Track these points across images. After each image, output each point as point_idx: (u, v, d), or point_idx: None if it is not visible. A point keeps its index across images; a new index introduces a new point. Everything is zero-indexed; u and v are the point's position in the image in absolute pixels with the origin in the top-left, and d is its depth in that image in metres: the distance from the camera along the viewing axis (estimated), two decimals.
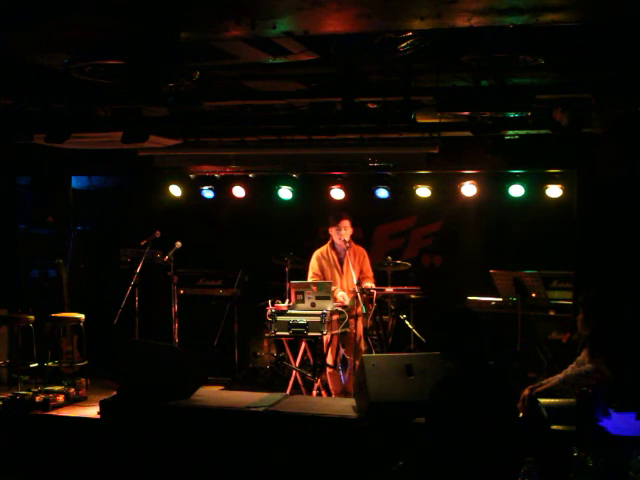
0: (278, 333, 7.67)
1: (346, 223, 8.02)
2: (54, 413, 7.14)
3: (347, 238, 7.98)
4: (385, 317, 8.46)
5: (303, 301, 7.68)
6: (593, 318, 5.59)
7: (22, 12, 4.44)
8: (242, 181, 9.65)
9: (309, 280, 8.10)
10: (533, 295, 7.99)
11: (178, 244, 8.72)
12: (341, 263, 8.13)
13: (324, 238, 9.21)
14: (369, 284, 8.01)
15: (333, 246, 8.17)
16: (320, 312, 7.47)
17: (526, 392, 5.57)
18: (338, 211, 8.26)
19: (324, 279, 8.08)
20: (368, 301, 7.88)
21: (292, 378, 7.98)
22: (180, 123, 7.87)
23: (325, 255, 8.17)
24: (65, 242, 9.99)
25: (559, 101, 6.63)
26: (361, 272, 8.09)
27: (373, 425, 6.01)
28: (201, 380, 7.19)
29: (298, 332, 7.58)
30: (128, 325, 8.37)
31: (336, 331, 7.70)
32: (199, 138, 8.65)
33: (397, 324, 8.58)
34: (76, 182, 10.39)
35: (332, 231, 8.13)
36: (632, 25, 4.80)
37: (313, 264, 8.19)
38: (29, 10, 4.40)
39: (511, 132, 7.56)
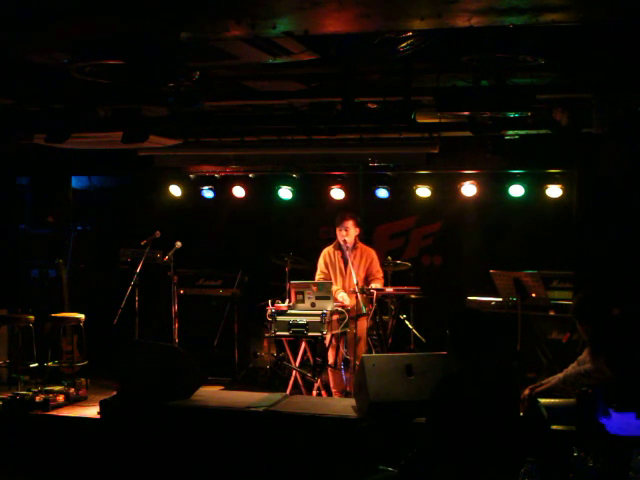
0: (278, 333, 7.67)
1: (348, 224, 7.99)
2: (54, 413, 7.14)
3: (348, 239, 7.96)
4: (385, 317, 8.44)
5: (303, 301, 7.68)
6: (589, 322, 5.59)
7: (23, 12, 4.44)
8: (242, 181, 9.65)
9: (317, 278, 8.12)
10: (533, 295, 7.98)
11: (178, 244, 8.71)
12: (345, 263, 8.12)
13: (324, 238, 9.22)
14: (374, 285, 7.97)
15: (338, 246, 8.15)
16: (320, 312, 7.47)
17: (526, 392, 5.57)
18: (343, 211, 8.23)
19: (330, 278, 8.09)
20: (368, 301, 7.87)
21: (292, 378, 7.97)
22: (180, 123, 7.88)
23: (331, 254, 8.17)
24: (65, 242, 9.99)
25: (559, 101, 6.64)
26: (370, 274, 8.07)
27: (373, 425, 6.01)
28: (201, 380, 7.18)
29: (298, 332, 7.58)
30: (128, 325, 8.36)
31: (336, 331, 7.70)
32: (199, 138, 8.66)
33: (397, 324, 8.57)
34: (76, 182, 10.39)
35: (337, 231, 8.12)
36: (632, 25, 4.81)
37: (320, 262, 8.21)
38: (29, 10, 4.40)
39: (511, 132, 7.57)
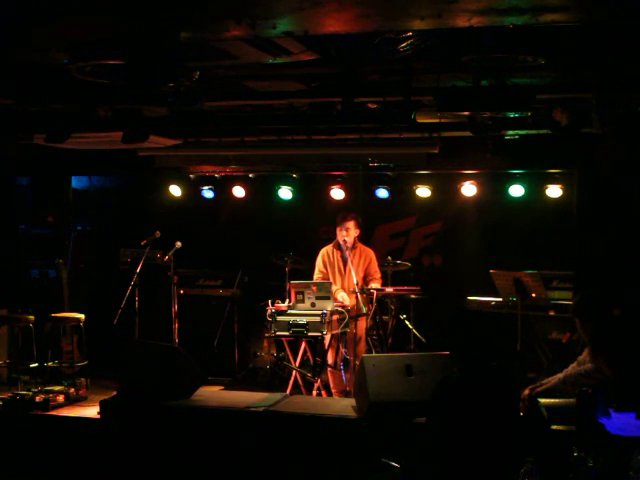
0: (278, 333, 7.67)
1: (349, 224, 7.98)
2: (54, 413, 7.14)
3: (348, 239, 7.97)
4: (385, 317, 8.45)
5: (303, 301, 7.67)
6: (588, 321, 5.59)
7: (23, 12, 4.44)
8: (242, 181, 9.66)
9: (315, 277, 8.12)
10: (533, 295, 7.98)
11: (178, 244, 8.71)
12: (344, 263, 8.12)
13: (324, 238, 9.21)
14: (373, 285, 7.98)
15: (338, 246, 8.14)
16: (320, 312, 7.47)
17: (526, 392, 5.58)
18: (345, 211, 8.23)
19: (329, 277, 8.08)
20: (368, 301, 7.87)
21: (292, 378, 7.97)
22: (180, 123, 7.88)
23: (329, 253, 8.17)
24: (65, 242, 9.99)
25: (559, 101, 6.64)
26: (368, 274, 8.08)
27: (373, 425, 6.01)
28: (201, 380, 7.18)
29: (298, 332, 7.58)
30: (128, 325, 8.37)
31: (336, 331, 7.70)
32: (199, 138, 8.66)
33: (397, 324, 8.57)
34: (76, 182, 10.40)
35: (337, 230, 8.12)
36: (632, 25, 4.81)
37: (318, 262, 8.21)
38: (29, 10, 4.40)
39: (511, 132, 7.57)
